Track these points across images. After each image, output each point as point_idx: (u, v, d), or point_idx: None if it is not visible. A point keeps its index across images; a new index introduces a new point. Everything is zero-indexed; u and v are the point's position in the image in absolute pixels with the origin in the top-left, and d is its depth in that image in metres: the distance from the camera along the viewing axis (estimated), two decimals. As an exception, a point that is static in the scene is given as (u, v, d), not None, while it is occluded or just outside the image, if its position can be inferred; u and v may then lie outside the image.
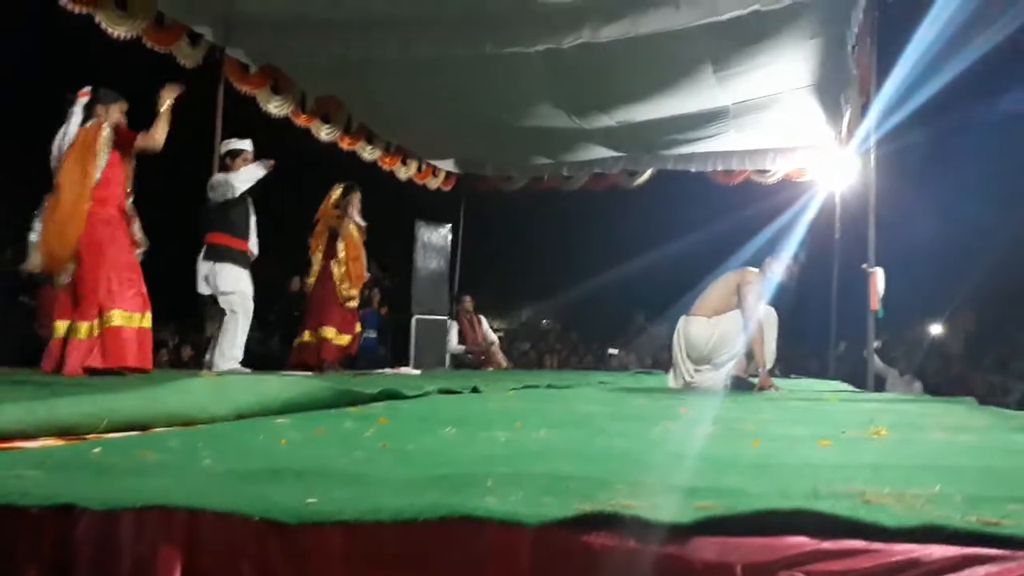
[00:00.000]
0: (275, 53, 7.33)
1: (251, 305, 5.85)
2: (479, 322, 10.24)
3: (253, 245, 6.04)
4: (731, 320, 4.87)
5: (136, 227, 4.88)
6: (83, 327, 4.52)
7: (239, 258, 5.84)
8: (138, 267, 4.81)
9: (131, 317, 4.65)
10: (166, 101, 4.84)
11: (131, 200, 4.88)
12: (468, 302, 10.20)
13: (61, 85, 4.85)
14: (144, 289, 4.80)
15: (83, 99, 4.76)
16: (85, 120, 4.73)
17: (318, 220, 6.93)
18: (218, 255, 5.79)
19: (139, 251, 4.90)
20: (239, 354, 5.74)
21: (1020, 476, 1.38)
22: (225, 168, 6.07)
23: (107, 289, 4.59)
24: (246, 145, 6.10)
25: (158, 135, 4.79)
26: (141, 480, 1.23)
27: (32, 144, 5.15)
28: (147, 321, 4.77)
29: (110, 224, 4.66)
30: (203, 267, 5.80)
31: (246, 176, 5.90)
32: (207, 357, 5.85)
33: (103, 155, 4.65)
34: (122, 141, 4.75)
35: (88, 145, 4.63)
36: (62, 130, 4.71)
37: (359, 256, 6.91)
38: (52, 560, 1.05)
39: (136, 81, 5.06)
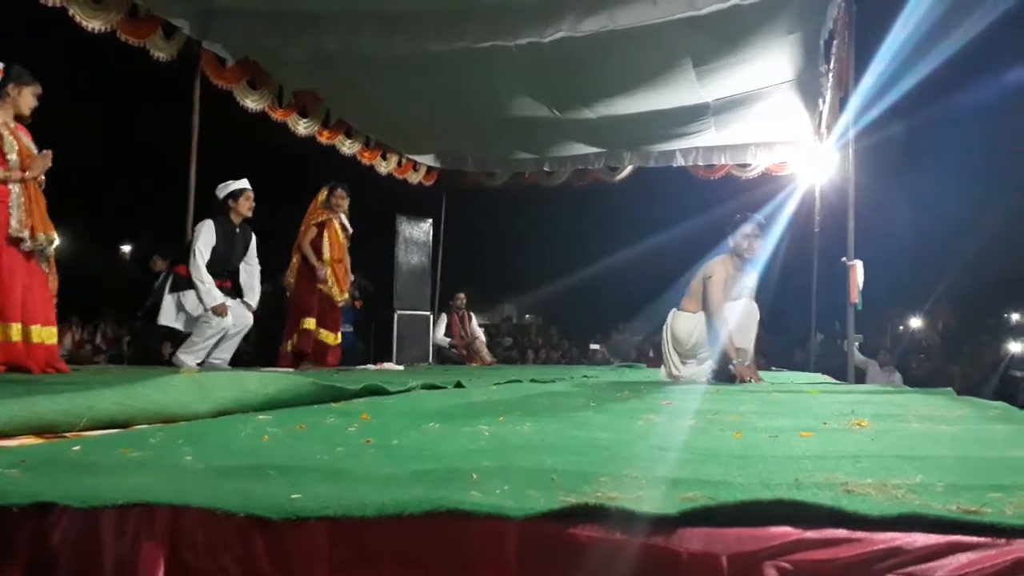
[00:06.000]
0: (253, 46, 7.25)
1: (227, 324, 5.65)
2: (469, 318, 10.29)
3: (254, 267, 5.95)
4: None
5: (40, 254, 4.35)
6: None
7: None
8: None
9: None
10: (35, 170, 4.25)
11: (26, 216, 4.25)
12: (462, 299, 10.24)
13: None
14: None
15: None
16: None
17: (305, 220, 6.74)
18: (182, 286, 5.62)
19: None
20: (203, 354, 5.61)
21: (998, 465, 1.39)
22: (225, 208, 5.84)
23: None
24: (246, 184, 5.94)
25: (26, 173, 4.23)
26: (122, 478, 1.21)
27: None
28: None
29: None
30: (168, 299, 5.62)
31: (205, 286, 5.56)
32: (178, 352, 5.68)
33: None
34: None
35: None
36: None
37: (343, 259, 6.75)
38: (32, 559, 1.04)
39: (110, 75, 4.89)
